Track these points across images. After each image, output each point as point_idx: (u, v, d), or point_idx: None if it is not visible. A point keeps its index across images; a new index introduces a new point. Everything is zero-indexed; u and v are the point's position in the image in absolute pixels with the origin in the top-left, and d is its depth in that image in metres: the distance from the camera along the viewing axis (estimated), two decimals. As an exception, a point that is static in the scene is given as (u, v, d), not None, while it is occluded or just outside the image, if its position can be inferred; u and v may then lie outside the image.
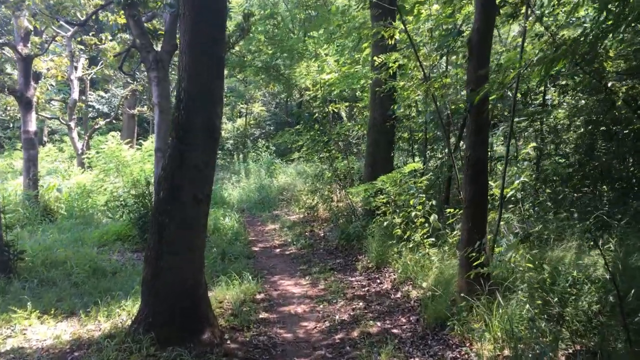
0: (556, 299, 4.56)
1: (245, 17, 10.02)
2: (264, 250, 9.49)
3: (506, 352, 4.12)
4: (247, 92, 24.38)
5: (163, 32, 10.00)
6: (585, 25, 6.69)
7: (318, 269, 7.72)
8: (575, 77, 7.06)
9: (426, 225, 6.64)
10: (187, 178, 4.82)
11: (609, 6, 2.88)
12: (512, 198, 6.86)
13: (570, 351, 4.05)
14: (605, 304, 4.35)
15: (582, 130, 9.50)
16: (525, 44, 5.72)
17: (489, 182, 6.03)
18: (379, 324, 5.34)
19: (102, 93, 24.32)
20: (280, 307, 6.20)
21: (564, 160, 9.26)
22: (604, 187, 9.11)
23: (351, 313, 5.74)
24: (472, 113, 5.00)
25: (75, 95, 15.50)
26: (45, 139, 26.08)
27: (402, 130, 10.23)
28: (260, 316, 5.81)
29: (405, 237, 6.85)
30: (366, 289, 6.61)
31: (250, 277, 6.84)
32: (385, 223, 7.00)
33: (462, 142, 8.55)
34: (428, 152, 9.77)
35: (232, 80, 24.63)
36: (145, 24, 9.93)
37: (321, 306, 6.12)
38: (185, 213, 4.82)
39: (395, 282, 6.58)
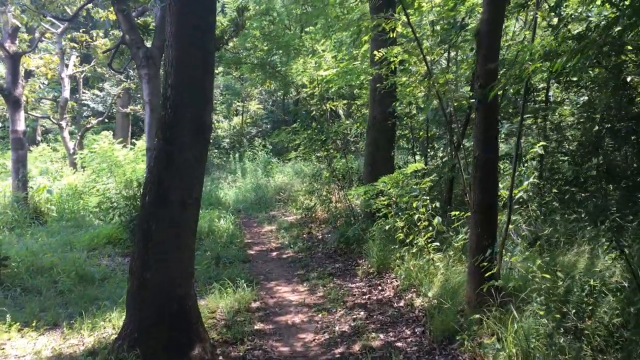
0: (574, 310, 4.23)
1: (239, 11, 9.67)
2: (260, 254, 9.13)
3: (522, 370, 3.79)
4: (244, 89, 24.00)
5: (154, 28, 9.63)
6: (590, 19, 6.38)
7: (316, 274, 7.37)
8: (590, 71, 6.70)
9: (430, 228, 6.30)
10: (174, 181, 4.46)
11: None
12: (520, 199, 6.52)
13: (592, 370, 3.72)
14: (628, 317, 4.02)
15: (588, 126, 9.20)
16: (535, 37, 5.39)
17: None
18: (381, 336, 5.00)
19: (96, 92, 23.90)
20: (276, 316, 5.85)
21: (567, 158, 8.94)
22: (610, 186, 8.82)
23: (352, 324, 5.39)
24: (481, 110, 4.66)
25: (66, 93, 15.10)
26: (38, 138, 25.66)
27: (402, 129, 9.88)
28: (256, 327, 5.46)
29: (408, 241, 6.51)
30: (367, 296, 6.26)
31: (245, 285, 6.48)
32: (387, 226, 6.64)
33: (464, 141, 8.23)
34: (429, 151, 9.44)
35: (228, 78, 24.25)
36: (135, 20, 9.57)
37: (320, 315, 5.78)
38: (173, 219, 4.47)
39: (398, 289, 6.24)
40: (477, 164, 4.67)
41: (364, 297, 6.25)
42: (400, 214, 6.51)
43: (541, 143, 6.55)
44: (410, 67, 7.18)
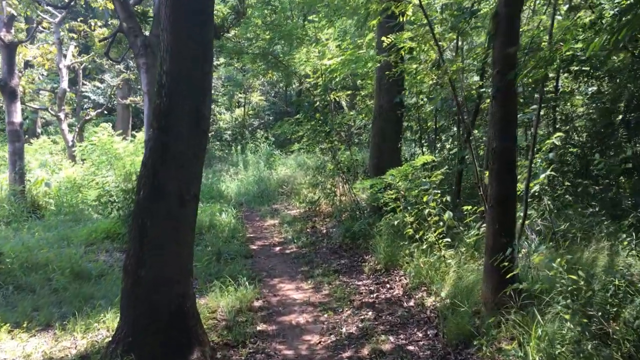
0: (600, 313, 3.93)
1: (241, -2, 9.32)
2: (263, 249, 8.85)
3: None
4: (245, 81, 23.65)
5: (152, 16, 9.30)
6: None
7: (321, 271, 7.09)
8: (615, 58, 6.36)
9: (440, 224, 5.99)
10: (171, 175, 4.17)
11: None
12: (535, 193, 6.21)
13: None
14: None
15: (599, 117, 8.92)
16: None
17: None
18: (392, 338, 4.71)
19: (97, 83, 23.56)
20: (280, 316, 5.57)
21: (576, 149, 8.64)
22: (622, 178, 8.54)
23: (359, 325, 5.11)
24: (499, 97, 4.34)
25: (65, 84, 14.78)
26: (38, 130, 25.39)
27: (408, 120, 9.56)
28: (258, 328, 5.19)
29: (418, 237, 6.21)
30: (375, 295, 5.97)
31: (247, 283, 6.19)
32: (395, 222, 6.34)
33: (474, 132, 7.92)
34: (437, 143, 9.12)
35: (230, 69, 23.90)
36: (133, 7, 9.24)
37: (325, 315, 5.49)
38: (169, 213, 4.18)
39: (407, 288, 5.94)
40: (494, 155, 4.37)
41: (372, 295, 5.96)
42: (409, 208, 6.21)
43: (558, 134, 6.25)
44: (418, 55, 6.83)
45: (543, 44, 6.70)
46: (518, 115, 7.72)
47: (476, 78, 8.64)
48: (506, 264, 4.04)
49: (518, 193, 4.88)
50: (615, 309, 4.14)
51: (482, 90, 7.89)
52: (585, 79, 9.14)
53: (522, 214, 5.22)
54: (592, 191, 8.68)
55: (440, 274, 5.67)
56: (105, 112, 20.33)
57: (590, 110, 9.41)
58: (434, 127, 8.71)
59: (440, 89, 7.08)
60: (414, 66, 6.78)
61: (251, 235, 9.95)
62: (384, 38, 6.48)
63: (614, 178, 8.58)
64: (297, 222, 10.47)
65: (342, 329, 5.05)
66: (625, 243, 5.65)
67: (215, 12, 12.57)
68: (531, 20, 7.26)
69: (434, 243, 6.05)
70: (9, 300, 6.02)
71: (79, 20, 13.37)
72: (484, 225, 5.66)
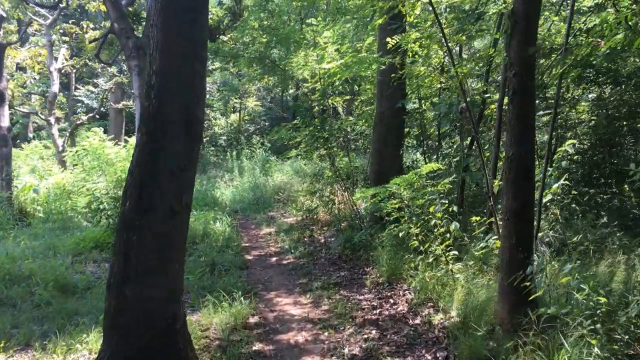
0: (627, 337, 3.61)
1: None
2: (259, 259, 8.49)
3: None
4: (241, 86, 23.32)
5: (145, 17, 8.97)
6: None
7: (320, 284, 6.74)
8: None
9: (447, 235, 5.66)
10: (160, 184, 3.82)
11: None
12: (547, 204, 5.91)
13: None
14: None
15: (603, 123, 8.70)
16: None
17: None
18: (398, 361, 4.37)
19: (91, 88, 23.14)
20: (277, 334, 5.21)
21: (578, 156, 8.38)
22: (625, 187, 8.29)
23: (363, 345, 4.75)
24: (516, 101, 4.03)
25: (55, 88, 14.38)
26: (30, 135, 24.95)
27: (410, 126, 9.24)
28: (254, 348, 4.83)
29: (423, 249, 5.87)
30: (378, 311, 5.62)
31: (242, 298, 5.82)
32: (400, 233, 6.00)
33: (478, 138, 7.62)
34: (440, 150, 8.81)
35: (225, 74, 23.57)
36: (125, 8, 8.90)
37: (326, 334, 5.13)
38: (158, 229, 3.82)
39: (413, 304, 5.60)
40: (510, 163, 4.04)
41: (375, 312, 5.61)
42: (414, 218, 5.87)
43: (570, 141, 5.95)
44: (422, 58, 6.51)
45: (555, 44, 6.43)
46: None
47: (475, 85, 8.36)
48: (527, 284, 3.70)
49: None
50: (640, 331, 3.82)
51: (486, 95, 7.60)
52: (587, 85, 8.90)
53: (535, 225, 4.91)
54: (600, 200, 8.40)
55: (448, 290, 5.33)
56: (97, 116, 19.89)
57: (593, 117, 9.16)
58: (437, 133, 8.39)
59: (447, 93, 6.76)
60: (422, 68, 6.46)
61: (246, 244, 9.60)
62: (388, 39, 6.16)
63: (617, 185, 8.35)
64: (294, 231, 10.12)
65: (344, 349, 4.70)
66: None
67: (210, 14, 12.27)
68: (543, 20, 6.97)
69: (440, 256, 5.71)
70: (-13, 316, 5.64)
71: (70, 22, 12.99)
72: (494, 237, 5.36)
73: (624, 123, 8.84)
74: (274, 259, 8.50)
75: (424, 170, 5.88)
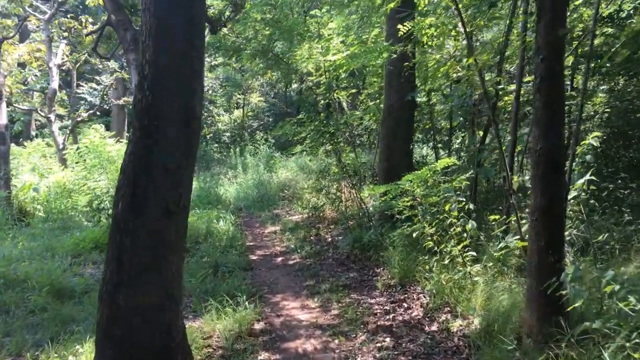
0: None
1: (239, -11, 8.64)
2: (264, 260, 8.17)
3: None
4: (244, 81, 22.98)
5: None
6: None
7: (328, 286, 6.40)
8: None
9: (464, 235, 5.31)
10: (155, 183, 3.48)
11: None
12: (570, 201, 5.54)
13: None
14: None
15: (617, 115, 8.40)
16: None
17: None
18: (416, 373, 4.04)
19: (94, 85, 22.82)
20: (284, 342, 4.88)
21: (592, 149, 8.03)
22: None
23: (377, 354, 4.42)
24: (543, 89, 3.67)
25: (55, 84, 14.05)
26: (33, 132, 24.69)
27: (420, 119, 8.88)
28: (260, 358, 4.50)
29: (438, 249, 5.53)
30: (391, 316, 5.28)
31: (246, 302, 5.50)
32: (414, 234, 5.65)
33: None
34: (452, 144, 8.45)
35: (228, 69, 23.24)
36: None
37: (336, 342, 4.80)
38: (153, 232, 3.49)
39: (428, 308, 5.25)
40: (538, 158, 3.69)
41: (388, 317, 5.26)
42: (428, 217, 5.52)
43: (595, 134, 5.56)
44: (434, 46, 6.13)
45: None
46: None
47: (486, 77, 8.00)
48: (563, 293, 3.35)
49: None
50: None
51: (499, 87, 7.23)
52: (601, 77, 8.59)
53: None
54: (620, 195, 8.05)
55: (466, 294, 4.99)
56: (98, 113, 19.58)
57: (607, 110, 8.82)
58: (448, 127, 8.03)
59: (459, 84, 6.39)
60: (437, 56, 6.09)
61: (251, 243, 9.28)
62: (400, 26, 5.79)
63: (632, 179, 8.03)
64: (299, 229, 9.80)
65: (356, 359, 4.37)
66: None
67: (212, 6, 11.92)
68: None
69: (456, 257, 5.37)
70: (-21, 323, 5.34)
71: (69, 17, 12.66)
72: (515, 237, 5.01)
73: (639, 115, 8.54)
74: (279, 259, 8.17)
75: (439, 165, 5.52)
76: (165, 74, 3.48)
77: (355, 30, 12.42)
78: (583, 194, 6.29)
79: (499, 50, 6.83)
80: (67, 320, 5.34)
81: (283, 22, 11.99)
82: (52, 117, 14.15)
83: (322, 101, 10.04)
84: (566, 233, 5.31)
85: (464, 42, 4.72)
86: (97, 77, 21.64)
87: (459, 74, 5.83)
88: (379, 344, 4.61)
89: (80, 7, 19.65)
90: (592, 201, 7.41)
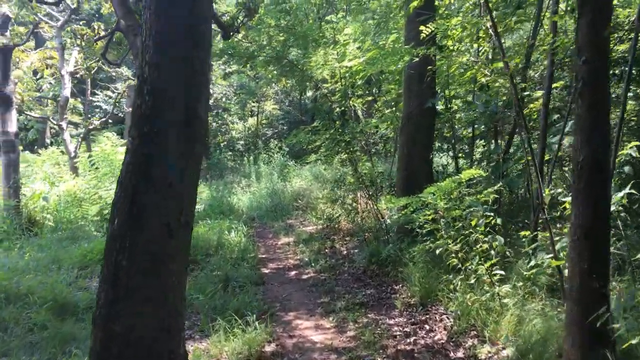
0: None
1: (252, -7, 8.38)
2: (276, 273, 7.83)
3: None
4: (259, 89, 22.79)
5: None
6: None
7: (344, 304, 6.02)
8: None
9: (492, 252, 4.91)
10: (155, 197, 3.17)
11: None
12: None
13: None
14: None
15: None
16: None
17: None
18: (442, 408, 3.64)
19: (109, 93, 22.78)
20: (296, 367, 4.53)
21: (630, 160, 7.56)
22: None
23: (398, 384, 4.04)
24: (586, 94, 3.29)
25: (67, 92, 13.93)
26: (47, 140, 24.75)
27: (441, 127, 8.49)
28: (270, 385, 4.15)
29: (463, 267, 5.13)
30: (412, 339, 4.88)
31: (256, 322, 5.14)
32: (437, 250, 5.26)
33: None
34: (474, 153, 8.04)
35: (242, 77, 23.08)
36: (132, 4, 8.32)
37: (353, 368, 4.43)
38: (152, 251, 3.17)
39: (452, 331, 4.85)
40: (580, 170, 3.30)
41: (408, 340, 4.87)
42: (453, 233, 5.13)
43: (634, 143, 5.15)
44: (461, 48, 5.77)
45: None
46: (571, 122, 6.69)
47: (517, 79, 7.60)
48: (615, 327, 2.95)
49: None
50: None
51: (525, 93, 6.84)
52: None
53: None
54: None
55: (494, 316, 4.59)
56: (111, 121, 19.47)
57: (633, 118, 8.37)
58: (471, 135, 7.63)
59: (492, 88, 6.01)
60: (464, 59, 5.72)
61: (263, 256, 8.94)
62: (422, 27, 5.44)
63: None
64: (314, 241, 9.44)
65: (375, 389, 4.00)
66: None
67: (226, 12, 11.70)
68: None
69: (482, 276, 4.96)
70: (-25, 342, 5.06)
71: (81, 23, 12.53)
72: (548, 256, 4.60)
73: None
74: (292, 272, 7.82)
75: (464, 177, 5.14)
76: (168, 76, 3.17)
77: (372, 37, 12.12)
78: (620, 208, 5.86)
79: (524, 55, 6.46)
80: (68, 339, 5.04)
81: (298, 28, 11.75)
82: (64, 124, 14.03)
83: (338, 109, 9.70)
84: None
85: (492, 44, 4.35)
86: (112, 85, 21.62)
87: (487, 78, 5.45)
88: (400, 372, 4.23)
89: (96, 15, 19.65)
90: (623, 214, 6.98)
